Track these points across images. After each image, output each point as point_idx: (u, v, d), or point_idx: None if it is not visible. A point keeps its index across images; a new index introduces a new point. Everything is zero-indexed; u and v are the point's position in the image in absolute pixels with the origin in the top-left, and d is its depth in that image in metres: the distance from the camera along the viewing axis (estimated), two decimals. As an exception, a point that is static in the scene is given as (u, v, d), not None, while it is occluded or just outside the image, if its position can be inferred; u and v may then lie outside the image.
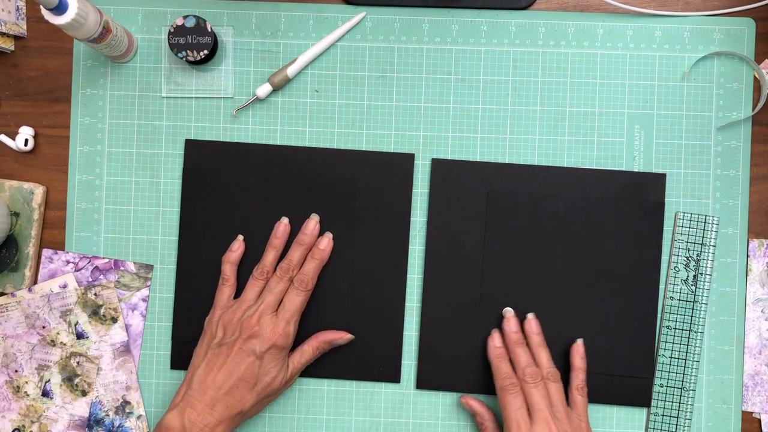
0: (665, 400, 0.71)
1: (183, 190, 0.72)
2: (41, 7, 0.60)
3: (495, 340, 0.69)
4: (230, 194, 0.72)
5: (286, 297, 0.66)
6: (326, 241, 0.69)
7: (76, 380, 0.72)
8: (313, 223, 0.70)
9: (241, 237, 0.71)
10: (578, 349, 0.69)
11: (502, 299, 0.71)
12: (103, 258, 0.72)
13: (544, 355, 0.67)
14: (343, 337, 0.70)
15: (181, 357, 0.72)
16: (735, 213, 0.72)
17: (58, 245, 0.73)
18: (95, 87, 0.73)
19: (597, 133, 0.72)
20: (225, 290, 0.69)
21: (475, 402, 0.70)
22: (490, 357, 0.68)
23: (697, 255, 0.71)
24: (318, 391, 0.72)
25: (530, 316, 0.69)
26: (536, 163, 0.72)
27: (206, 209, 0.72)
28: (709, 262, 0.71)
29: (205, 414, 0.62)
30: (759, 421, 0.72)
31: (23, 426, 0.72)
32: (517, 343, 0.68)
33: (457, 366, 0.71)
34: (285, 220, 0.70)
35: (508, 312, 0.70)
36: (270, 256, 0.69)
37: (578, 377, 0.68)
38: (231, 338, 0.65)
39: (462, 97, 0.73)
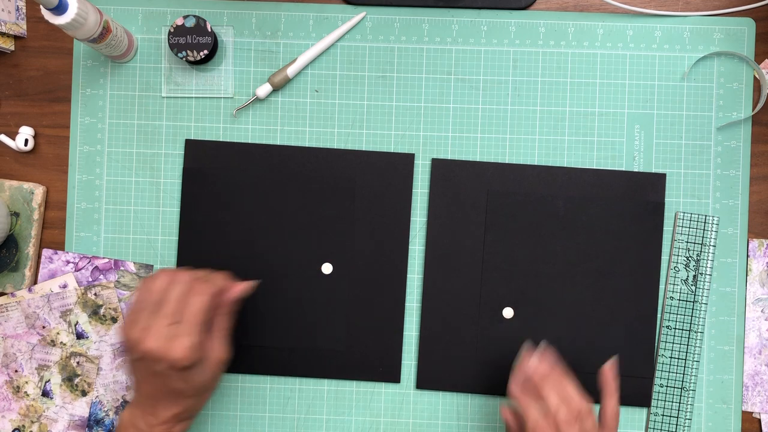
0: (665, 400, 0.71)
1: (183, 190, 0.72)
2: (41, 7, 0.60)
3: (518, 379, 0.63)
4: (230, 194, 0.72)
5: (184, 303, 0.60)
6: (239, 288, 0.64)
7: (76, 380, 0.72)
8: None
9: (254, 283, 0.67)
10: (611, 370, 0.64)
11: (502, 299, 0.71)
12: (103, 258, 0.72)
13: (570, 389, 0.61)
14: (243, 287, 0.65)
15: (181, 357, 0.72)
16: (735, 213, 0.72)
17: (58, 245, 0.73)
18: (95, 87, 0.73)
19: (597, 133, 0.72)
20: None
21: (511, 417, 0.63)
22: (514, 396, 0.62)
23: (697, 255, 0.71)
24: (318, 391, 0.72)
25: (543, 344, 0.65)
26: (536, 163, 0.72)
27: (206, 209, 0.72)
28: (709, 262, 0.71)
29: (149, 416, 0.61)
30: (759, 421, 0.72)
31: (23, 426, 0.72)
32: (543, 379, 0.61)
33: (457, 366, 0.71)
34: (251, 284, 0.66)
35: (525, 348, 0.65)
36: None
37: (611, 403, 0.63)
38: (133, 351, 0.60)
39: (462, 97, 0.73)
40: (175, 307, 0.59)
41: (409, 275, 0.72)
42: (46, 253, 0.73)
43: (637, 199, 0.71)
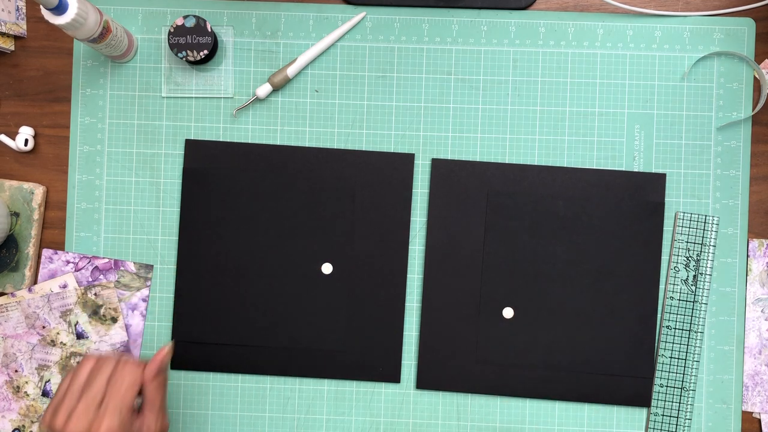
0: (665, 400, 0.71)
1: (183, 190, 0.72)
2: (41, 7, 0.60)
3: None
4: (230, 194, 0.72)
5: (109, 385, 0.59)
6: (166, 349, 0.62)
7: (76, 380, 0.72)
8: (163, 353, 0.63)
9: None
10: None
11: (502, 299, 0.71)
12: (103, 258, 0.72)
13: None
14: (163, 352, 0.62)
15: (180, 357, 0.72)
16: (735, 213, 0.72)
17: (58, 245, 0.73)
18: (95, 87, 0.73)
19: (597, 133, 0.72)
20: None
21: None
22: None
23: (697, 255, 0.71)
24: (318, 391, 0.72)
25: None
26: (536, 163, 0.72)
27: (206, 209, 0.72)
28: (709, 262, 0.71)
29: None
30: (759, 421, 0.72)
31: (23, 426, 0.72)
32: None
33: (457, 366, 0.71)
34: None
35: None
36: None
37: None
38: None
39: (462, 97, 0.73)
40: (101, 390, 0.58)
41: (409, 275, 0.72)
42: (46, 253, 0.73)
43: (637, 199, 0.71)
